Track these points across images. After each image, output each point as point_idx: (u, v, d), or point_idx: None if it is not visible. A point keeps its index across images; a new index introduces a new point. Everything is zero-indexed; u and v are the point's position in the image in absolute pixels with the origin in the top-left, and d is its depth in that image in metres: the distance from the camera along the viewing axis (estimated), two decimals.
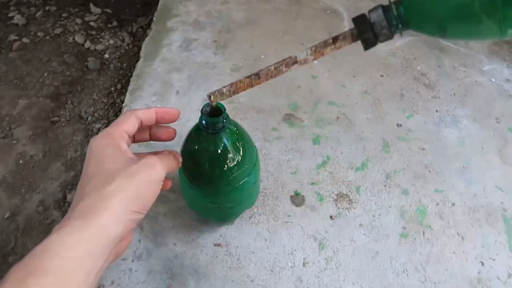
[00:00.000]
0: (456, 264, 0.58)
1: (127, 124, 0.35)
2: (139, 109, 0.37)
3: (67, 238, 0.25)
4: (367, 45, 0.27)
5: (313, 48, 0.30)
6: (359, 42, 0.32)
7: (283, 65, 0.33)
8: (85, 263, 0.25)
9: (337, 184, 0.66)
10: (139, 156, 0.36)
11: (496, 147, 0.73)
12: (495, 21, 0.24)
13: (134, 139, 0.39)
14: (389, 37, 0.28)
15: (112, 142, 0.32)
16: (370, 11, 0.27)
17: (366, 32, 0.28)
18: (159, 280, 0.55)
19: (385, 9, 0.28)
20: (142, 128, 0.38)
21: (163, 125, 0.42)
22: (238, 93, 0.38)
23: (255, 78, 0.36)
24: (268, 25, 0.94)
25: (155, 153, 0.40)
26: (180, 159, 0.39)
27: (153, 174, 0.31)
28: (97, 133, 0.76)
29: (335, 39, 0.28)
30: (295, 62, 0.32)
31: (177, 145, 0.69)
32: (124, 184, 0.29)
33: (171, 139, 0.42)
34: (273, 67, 0.34)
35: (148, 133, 0.41)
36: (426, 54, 0.90)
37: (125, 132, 0.35)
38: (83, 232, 0.26)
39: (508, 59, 0.90)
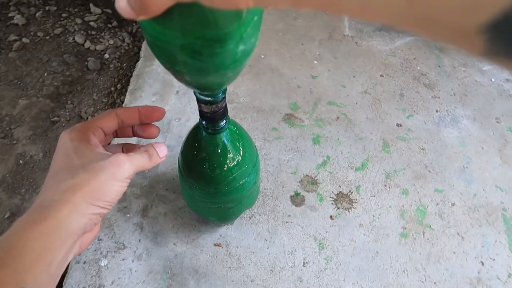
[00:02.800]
0: (456, 264, 0.58)
1: (104, 120, 0.34)
2: (121, 108, 0.36)
3: (23, 231, 0.25)
4: None
5: None
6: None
7: None
8: (43, 255, 0.25)
9: (337, 184, 0.66)
10: (112, 150, 0.35)
11: (496, 147, 0.73)
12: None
13: (116, 134, 0.39)
14: None
15: (81, 136, 0.31)
16: None
17: None
18: (159, 280, 0.55)
19: None
20: (124, 125, 0.37)
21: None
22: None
23: None
24: (268, 25, 0.94)
25: (132, 146, 0.39)
26: (160, 155, 0.36)
27: (118, 173, 0.30)
28: None
29: None
30: None
31: (177, 145, 0.70)
32: (87, 179, 0.28)
33: (153, 137, 0.40)
34: None
35: (130, 129, 0.40)
36: (426, 54, 0.90)
37: (99, 128, 0.34)
38: (41, 225, 0.26)
39: None
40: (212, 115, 0.39)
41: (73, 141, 0.31)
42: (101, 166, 0.29)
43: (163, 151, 0.36)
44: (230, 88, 0.77)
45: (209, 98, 0.36)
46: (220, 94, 0.37)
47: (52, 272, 0.26)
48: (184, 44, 0.25)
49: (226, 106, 0.39)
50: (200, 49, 0.25)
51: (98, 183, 0.29)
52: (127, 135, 0.39)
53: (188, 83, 0.32)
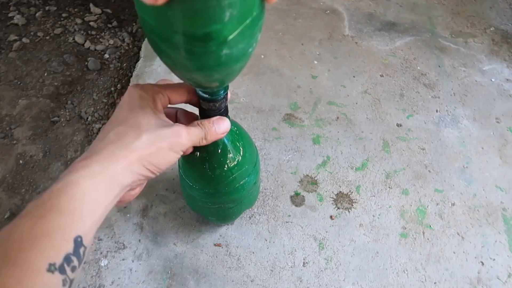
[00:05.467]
0: (456, 264, 0.58)
1: (175, 93, 0.35)
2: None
3: (84, 182, 0.26)
4: None
5: None
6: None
7: None
8: (98, 206, 0.27)
9: (337, 184, 0.66)
10: (172, 116, 0.37)
11: (496, 147, 0.73)
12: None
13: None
14: None
15: (149, 98, 0.32)
16: None
17: None
18: (159, 280, 0.55)
19: None
20: (189, 102, 0.38)
21: None
22: None
23: None
24: (268, 25, 0.94)
25: (187, 114, 0.39)
26: (218, 131, 0.36)
27: (176, 144, 0.32)
28: (97, 133, 0.76)
29: None
30: None
31: None
32: (148, 143, 0.30)
33: None
34: None
35: (175, 116, 0.40)
36: (426, 54, 0.90)
37: (167, 97, 0.35)
38: (100, 178, 0.27)
39: (508, 59, 0.90)
40: (211, 114, 0.38)
41: (142, 100, 0.32)
42: (163, 134, 0.31)
43: (222, 128, 0.37)
44: (230, 88, 0.77)
45: (207, 96, 0.36)
46: (221, 92, 0.36)
47: (99, 221, 0.28)
48: (164, 36, 0.25)
49: (227, 107, 0.39)
50: (178, 43, 0.25)
51: (156, 149, 0.30)
52: (171, 119, 0.40)
53: (179, 76, 0.32)
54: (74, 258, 0.25)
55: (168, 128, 0.31)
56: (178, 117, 0.40)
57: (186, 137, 0.33)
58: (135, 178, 0.30)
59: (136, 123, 0.30)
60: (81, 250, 0.25)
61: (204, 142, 0.35)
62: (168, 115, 0.38)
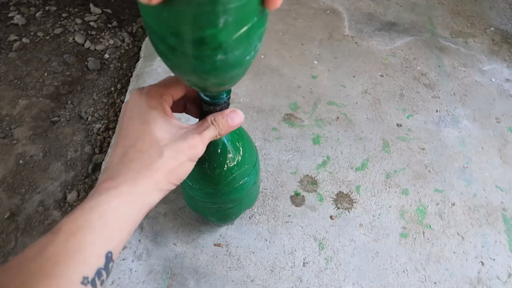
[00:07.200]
0: (456, 264, 0.58)
1: (175, 89, 0.35)
2: None
3: (114, 200, 0.28)
4: None
5: None
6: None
7: None
8: (127, 224, 0.28)
9: (337, 184, 0.66)
10: (180, 104, 0.37)
11: (496, 147, 0.73)
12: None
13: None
14: None
15: (158, 106, 0.32)
16: None
17: None
18: (159, 280, 0.55)
19: None
20: (188, 95, 0.37)
21: None
22: None
23: None
24: (268, 25, 0.94)
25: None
26: (231, 124, 0.36)
27: (193, 155, 0.33)
28: (97, 133, 0.76)
29: None
30: None
31: None
32: (170, 160, 0.31)
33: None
34: None
35: (183, 105, 0.40)
36: (426, 54, 0.90)
37: (170, 95, 0.34)
38: (129, 198, 0.28)
39: (508, 59, 0.90)
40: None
41: (152, 110, 0.32)
42: (181, 148, 0.31)
43: (237, 120, 0.36)
44: None
45: (208, 99, 0.36)
46: (223, 96, 0.36)
47: (127, 238, 0.29)
48: (161, 37, 0.26)
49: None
50: (174, 45, 0.25)
51: (177, 164, 0.31)
52: (178, 110, 0.40)
53: (178, 77, 0.32)
54: (104, 272, 0.26)
55: (184, 140, 0.32)
56: (187, 106, 0.40)
57: (201, 145, 0.33)
58: (162, 195, 0.31)
59: (154, 139, 0.31)
60: (110, 264, 0.27)
61: (218, 137, 0.36)
62: (176, 104, 0.38)
